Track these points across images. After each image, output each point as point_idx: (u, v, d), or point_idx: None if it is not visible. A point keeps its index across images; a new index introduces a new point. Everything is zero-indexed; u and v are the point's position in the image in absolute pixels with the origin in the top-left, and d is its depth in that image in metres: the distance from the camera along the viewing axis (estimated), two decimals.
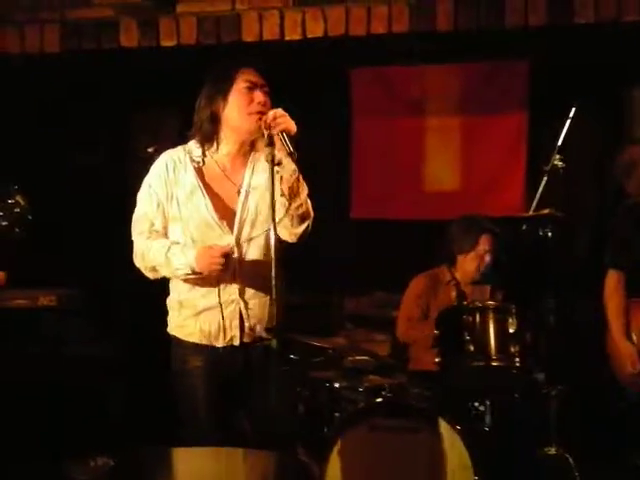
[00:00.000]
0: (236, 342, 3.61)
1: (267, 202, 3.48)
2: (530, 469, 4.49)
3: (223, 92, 3.61)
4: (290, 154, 3.38)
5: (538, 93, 5.98)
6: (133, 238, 3.67)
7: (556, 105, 4.94)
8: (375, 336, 5.40)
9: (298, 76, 5.73)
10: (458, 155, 6.26)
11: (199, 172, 3.65)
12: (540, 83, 5.94)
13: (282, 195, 3.47)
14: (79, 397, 5.10)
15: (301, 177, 3.54)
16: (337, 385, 4.58)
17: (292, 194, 3.48)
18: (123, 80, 6.07)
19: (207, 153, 3.68)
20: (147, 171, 3.70)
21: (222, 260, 3.47)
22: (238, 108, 3.60)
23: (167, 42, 5.48)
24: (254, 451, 3.29)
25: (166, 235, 3.64)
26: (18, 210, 3.83)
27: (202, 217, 3.60)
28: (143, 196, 3.67)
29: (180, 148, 3.71)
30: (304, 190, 3.56)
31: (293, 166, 3.46)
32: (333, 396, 4.56)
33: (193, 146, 3.69)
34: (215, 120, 3.63)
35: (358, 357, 4.70)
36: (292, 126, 3.45)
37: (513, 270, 5.45)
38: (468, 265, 5.21)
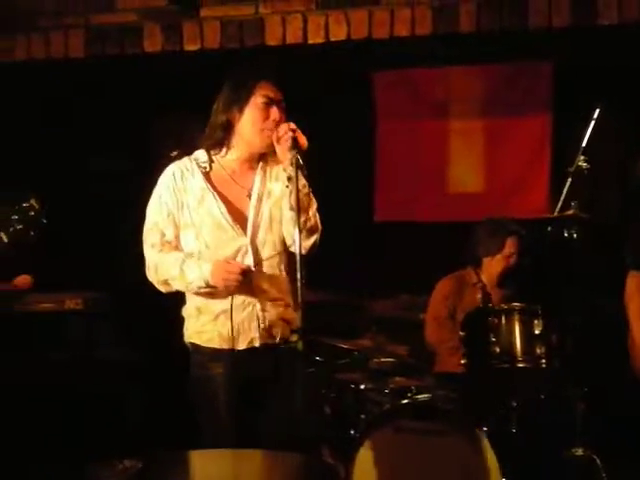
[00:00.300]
0: (256, 343, 3.61)
1: (281, 209, 3.58)
2: (557, 470, 4.48)
3: (240, 103, 3.62)
4: (300, 168, 3.38)
5: (562, 94, 5.96)
6: (145, 251, 3.67)
7: (580, 106, 4.92)
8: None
9: (321, 79, 5.74)
10: (482, 157, 6.25)
11: (207, 177, 3.66)
12: (564, 84, 5.93)
13: (291, 209, 3.47)
14: (106, 400, 5.12)
15: (310, 191, 3.55)
16: (363, 387, 4.59)
17: (303, 207, 3.44)
18: (147, 85, 6.09)
19: (214, 158, 3.70)
20: None
21: (240, 277, 3.49)
22: (252, 123, 3.61)
23: (191, 46, 5.50)
24: (277, 453, 3.29)
25: (178, 247, 3.64)
26: (32, 213, 3.85)
27: (215, 221, 3.61)
28: (153, 207, 3.68)
29: (185, 158, 3.72)
30: (313, 205, 3.57)
31: (303, 181, 3.45)
32: (359, 398, 4.57)
33: (199, 153, 3.71)
34: (228, 128, 3.65)
35: (383, 359, 4.71)
36: (303, 141, 3.48)
37: (538, 272, 5.44)
38: (494, 268, 5.21)
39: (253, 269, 3.58)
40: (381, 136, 6.36)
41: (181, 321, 3.75)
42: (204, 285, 3.54)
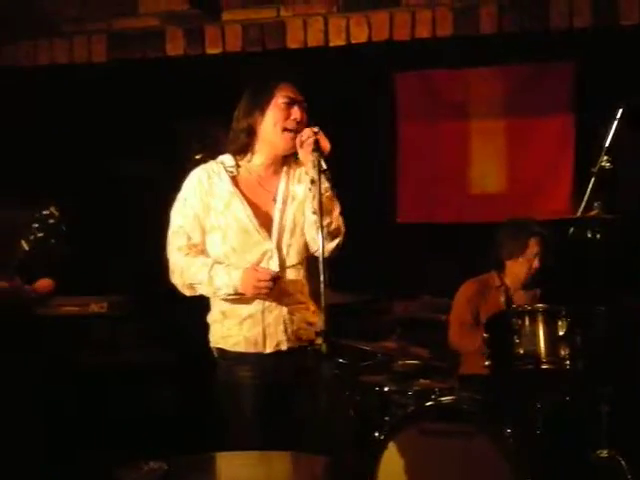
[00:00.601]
0: (283, 347, 3.62)
1: (304, 213, 3.59)
2: (582, 472, 4.46)
3: (261, 106, 3.64)
4: (323, 172, 3.40)
5: (585, 94, 5.95)
6: (169, 254, 3.68)
7: (603, 106, 4.91)
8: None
9: (342, 82, 5.74)
10: (504, 158, 6.23)
11: (234, 181, 3.68)
12: (587, 84, 5.91)
13: (313, 212, 3.47)
14: (130, 403, 5.14)
15: (334, 195, 3.56)
16: (387, 389, 4.59)
17: (325, 210, 3.44)
18: (169, 88, 6.12)
19: (240, 163, 3.71)
20: None
21: (270, 284, 3.50)
22: (274, 123, 3.62)
23: (213, 50, 5.53)
24: (303, 455, 3.30)
25: (204, 250, 3.65)
26: (52, 221, 3.89)
27: (241, 224, 3.62)
28: (178, 210, 3.69)
29: (211, 162, 3.74)
30: (336, 208, 3.58)
31: (326, 184, 3.47)
32: (383, 400, 4.57)
33: (225, 157, 3.73)
34: (251, 133, 3.67)
35: (408, 361, 4.71)
36: (326, 144, 3.50)
37: (562, 273, 5.42)
38: (518, 270, 5.18)
39: (280, 275, 3.58)
40: (403, 138, 6.35)
41: (206, 327, 3.76)
42: (233, 292, 3.56)
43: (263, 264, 3.59)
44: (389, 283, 5.89)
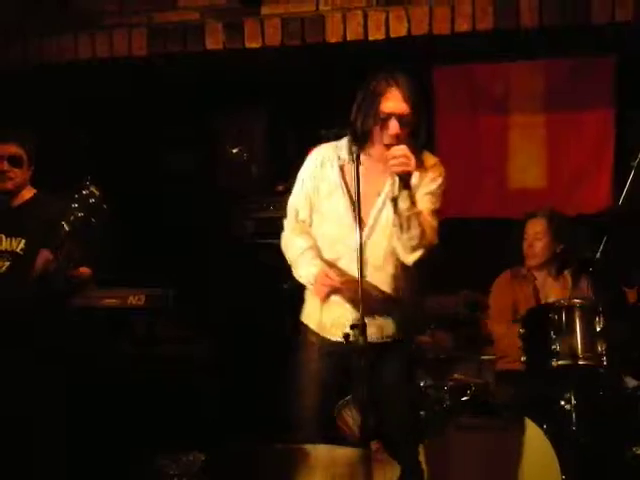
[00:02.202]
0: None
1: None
2: (618, 469, 4.44)
3: (366, 113, 3.67)
4: (400, 192, 3.53)
5: (626, 88, 5.90)
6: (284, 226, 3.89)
7: None
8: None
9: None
10: (543, 152, 6.20)
11: (342, 171, 3.75)
12: (628, 78, 5.86)
13: (394, 225, 3.58)
14: (171, 396, 5.17)
15: (419, 215, 3.59)
16: (422, 384, 4.60)
17: (403, 227, 3.56)
18: (209, 82, 6.15)
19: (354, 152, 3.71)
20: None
21: (328, 292, 3.63)
22: (375, 132, 3.67)
23: (252, 44, 5.53)
24: (338, 447, 3.33)
25: (311, 227, 3.81)
26: (93, 200, 3.90)
27: (339, 214, 3.72)
28: (295, 188, 3.87)
29: (332, 144, 3.84)
30: (416, 227, 3.58)
31: (407, 204, 3.54)
32: (419, 395, 4.58)
33: (343, 144, 3.79)
34: (362, 128, 3.69)
35: (443, 355, 4.71)
36: (409, 168, 3.54)
37: (603, 268, 5.38)
38: (525, 251, 5.21)
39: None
40: (441, 131, 6.32)
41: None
42: (309, 284, 3.73)
43: (347, 258, 3.63)
44: (426, 277, 5.88)
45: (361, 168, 3.64)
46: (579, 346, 4.29)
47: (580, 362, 4.29)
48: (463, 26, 5.28)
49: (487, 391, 4.47)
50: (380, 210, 3.70)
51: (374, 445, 4.10)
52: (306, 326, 3.87)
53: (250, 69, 5.88)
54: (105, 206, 3.90)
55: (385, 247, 3.69)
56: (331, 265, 3.69)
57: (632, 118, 5.41)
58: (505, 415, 4.23)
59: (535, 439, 4.12)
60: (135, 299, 5.32)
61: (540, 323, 4.39)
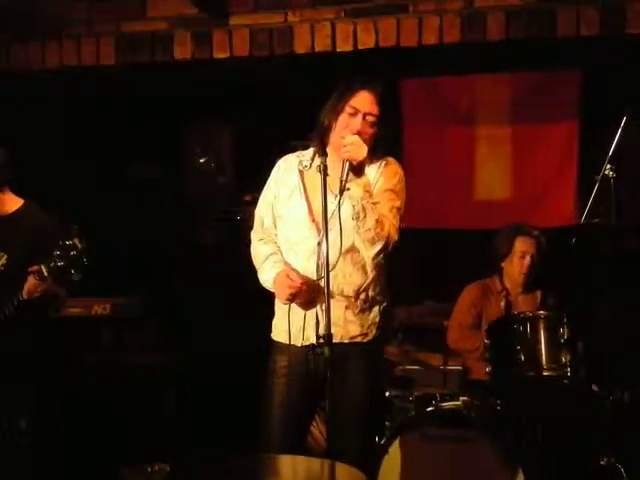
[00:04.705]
0: (313, 340, 3.64)
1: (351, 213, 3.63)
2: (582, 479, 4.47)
3: (337, 109, 3.73)
4: (340, 181, 3.55)
5: (590, 102, 5.96)
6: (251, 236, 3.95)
7: (608, 114, 4.92)
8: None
9: None
10: (509, 164, 6.24)
11: (302, 175, 3.81)
12: (592, 92, 5.92)
13: (353, 218, 3.59)
14: (135, 405, 5.16)
15: (375, 206, 3.61)
16: (388, 394, 4.61)
17: (360, 217, 3.58)
18: (176, 92, 6.14)
19: (315, 158, 3.76)
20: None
21: (291, 296, 3.63)
22: (337, 129, 3.73)
23: (220, 54, 5.53)
24: (306, 459, 3.32)
25: (275, 236, 3.86)
26: (74, 253, 3.95)
27: (298, 218, 3.76)
28: (261, 196, 3.93)
29: (297, 153, 3.91)
30: (372, 217, 3.60)
31: (360, 192, 3.58)
32: (384, 405, 4.58)
33: (306, 152, 3.87)
34: (327, 132, 3.76)
35: (409, 366, 4.72)
36: (357, 156, 3.58)
37: (565, 280, 5.43)
38: (511, 270, 5.22)
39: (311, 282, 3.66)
40: (408, 143, 6.36)
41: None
42: (272, 288, 3.76)
43: (311, 259, 3.68)
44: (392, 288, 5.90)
45: (317, 174, 3.63)
46: (543, 357, 4.32)
47: (544, 373, 4.31)
48: (431, 39, 5.30)
49: (452, 401, 4.47)
50: (334, 210, 3.64)
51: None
52: (275, 345, 3.85)
53: (218, 79, 5.89)
54: (85, 261, 3.96)
55: (342, 245, 3.63)
56: (293, 268, 3.72)
57: (596, 132, 5.45)
58: (470, 425, 4.25)
59: (500, 449, 4.13)
60: (100, 308, 5.30)
61: (505, 334, 4.42)
